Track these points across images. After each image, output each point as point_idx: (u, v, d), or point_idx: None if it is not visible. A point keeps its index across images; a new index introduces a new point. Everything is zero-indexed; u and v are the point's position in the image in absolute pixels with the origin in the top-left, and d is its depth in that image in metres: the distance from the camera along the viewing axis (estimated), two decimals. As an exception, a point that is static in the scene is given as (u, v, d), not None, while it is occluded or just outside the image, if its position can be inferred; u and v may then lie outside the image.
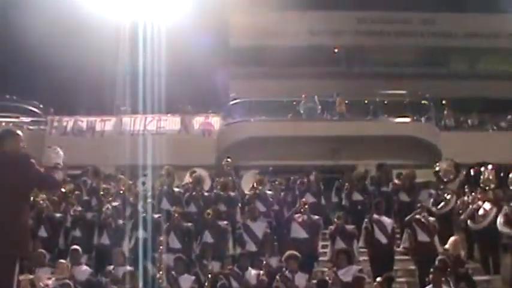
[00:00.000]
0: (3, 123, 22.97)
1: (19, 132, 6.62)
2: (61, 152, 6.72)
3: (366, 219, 13.24)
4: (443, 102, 24.94)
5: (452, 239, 12.76)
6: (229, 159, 17.41)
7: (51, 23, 23.58)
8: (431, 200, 15.01)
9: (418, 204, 13.66)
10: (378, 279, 10.39)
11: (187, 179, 16.93)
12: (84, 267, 12.15)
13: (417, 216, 12.92)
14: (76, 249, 12.18)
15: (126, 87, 23.64)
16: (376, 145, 20.80)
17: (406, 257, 13.65)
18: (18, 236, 6.08)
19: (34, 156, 6.37)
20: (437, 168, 16.12)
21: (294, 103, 23.40)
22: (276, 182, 16.13)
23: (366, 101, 24.05)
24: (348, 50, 30.36)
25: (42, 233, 13.48)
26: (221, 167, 17.88)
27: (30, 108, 24.56)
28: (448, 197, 14.91)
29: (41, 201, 14.04)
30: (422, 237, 12.69)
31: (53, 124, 23.37)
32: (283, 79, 25.89)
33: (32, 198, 12.16)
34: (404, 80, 25.71)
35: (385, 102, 23.95)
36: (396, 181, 16.22)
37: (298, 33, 28.68)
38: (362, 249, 13.40)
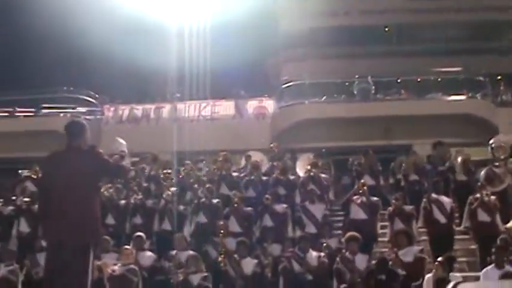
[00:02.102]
0: (61, 115, 23.53)
1: (86, 123, 6.86)
2: (123, 142, 6.94)
3: (424, 199, 13.14)
4: (499, 77, 24.36)
5: (514, 217, 12.58)
6: (274, 144, 17.56)
7: (107, 19, 23.93)
8: (489, 177, 14.74)
9: (478, 183, 13.53)
10: (439, 259, 10.31)
11: (243, 163, 17.12)
12: (149, 253, 12.40)
13: (477, 195, 12.79)
14: (140, 236, 12.42)
15: (180, 74, 23.92)
16: (431, 124, 20.59)
17: (467, 237, 13.48)
18: (92, 224, 6.33)
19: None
20: (493, 145, 15.83)
21: (347, 84, 23.32)
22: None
23: (419, 80, 23.80)
24: (398, 28, 29.96)
25: (110, 220, 13.78)
26: (271, 150, 18.01)
27: (86, 98, 25.02)
28: (505, 174, 14.61)
29: (105, 191, 14.37)
30: (483, 216, 12.47)
31: (109, 113, 23.82)
32: (335, 60, 25.78)
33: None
34: (458, 57, 25.26)
35: (439, 79, 23.65)
36: (453, 160, 16.02)
37: (349, 13, 28.48)
38: (421, 230, 13.31)
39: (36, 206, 12.15)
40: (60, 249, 6.16)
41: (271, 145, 18.04)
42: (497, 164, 14.75)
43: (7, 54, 27.48)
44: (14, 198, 15.38)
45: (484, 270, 10.33)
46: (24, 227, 14.36)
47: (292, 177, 15.33)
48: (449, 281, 9.07)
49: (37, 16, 26.47)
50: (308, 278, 11.36)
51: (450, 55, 25.87)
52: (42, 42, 27.56)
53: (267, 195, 13.69)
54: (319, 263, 11.46)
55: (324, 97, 23.37)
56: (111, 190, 14.75)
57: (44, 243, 10.73)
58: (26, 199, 14.88)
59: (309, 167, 15.43)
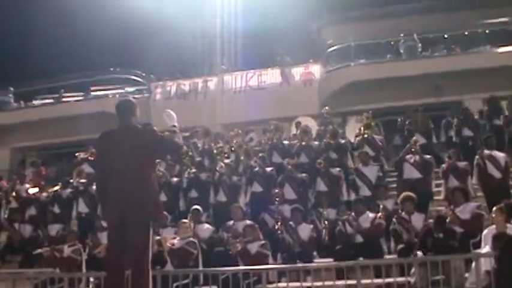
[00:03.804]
0: (110, 95, 23.89)
1: (135, 101, 6.98)
2: (174, 114, 7.02)
3: (476, 156, 12.97)
4: (551, 25, 23.64)
5: None
6: (327, 108, 17.48)
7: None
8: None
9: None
10: (498, 206, 10.07)
11: (294, 129, 17.18)
12: (206, 225, 12.59)
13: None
14: (197, 209, 12.57)
15: (224, 45, 23.96)
16: (482, 78, 20.17)
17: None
18: (151, 201, 6.49)
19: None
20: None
21: (393, 43, 23.03)
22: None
23: (467, 33, 23.32)
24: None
25: (162, 197, 13.91)
26: (323, 115, 17.99)
27: (133, 77, 25.29)
28: None
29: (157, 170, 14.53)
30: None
31: (157, 90, 24.06)
32: (379, 20, 25.36)
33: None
34: (506, 7, 24.61)
35: (487, 32, 23.13)
36: (507, 113, 15.75)
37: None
38: (476, 186, 13.13)
39: (94, 187, 12.53)
40: (121, 227, 6.33)
41: (324, 109, 17.97)
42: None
43: (53, 40, 27.87)
44: (71, 181, 15.77)
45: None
46: (83, 207, 14.76)
47: (342, 141, 15.30)
48: (508, 235, 9.04)
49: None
50: (358, 240, 11.38)
51: (497, 5, 25.17)
52: (87, 25, 27.89)
53: (319, 160, 13.71)
54: (372, 225, 11.45)
55: (370, 59, 23.09)
56: (162, 168, 14.97)
57: (104, 223, 11.06)
58: (83, 180, 15.26)
59: (362, 129, 15.40)
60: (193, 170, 14.88)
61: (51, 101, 25.58)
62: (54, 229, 14.64)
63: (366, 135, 15.10)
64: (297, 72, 22.86)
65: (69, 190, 15.34)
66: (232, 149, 15.71)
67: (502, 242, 8.77)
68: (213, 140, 17.28)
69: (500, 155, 12.91)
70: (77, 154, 17.78)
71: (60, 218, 14.97)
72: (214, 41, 24.75)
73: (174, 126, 6.90)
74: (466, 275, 9.12)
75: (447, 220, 10.62)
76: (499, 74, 20.19)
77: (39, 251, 12.53)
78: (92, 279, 10.67)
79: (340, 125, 17.97)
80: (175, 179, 14.99)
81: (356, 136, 15.91)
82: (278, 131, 16.20)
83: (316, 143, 15.39)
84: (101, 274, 9.42)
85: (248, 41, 24.57)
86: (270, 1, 23.89)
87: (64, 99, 25.24)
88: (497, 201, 10.44)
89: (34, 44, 28.24)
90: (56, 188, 15.77)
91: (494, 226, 9.62)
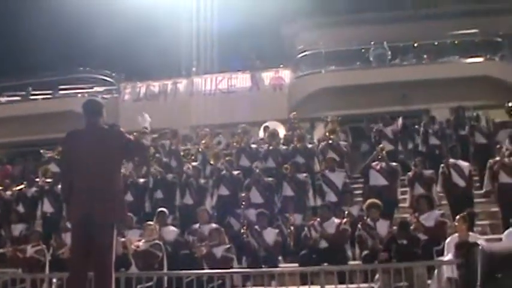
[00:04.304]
0: (79, 95, 23.70)
1: (103, 102, 6.95)
2: (148, 117, 7.00)
3: (442, 165, 13.09)
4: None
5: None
6: (295, 113, 17.57)
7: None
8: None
9: (497, 146, 13.51)
10: (461, 214, 10.20)
11: (262, 134, 17.20)
12: (172, 227, 12.51)
13: (497, 157, 12.75)
14: (163, 211, 12.49)
15: (195, 48, 23.92)
16: (449, 87, 20.46)
17: (487, 199, 13.45)
18: (116, 202, 6.45)
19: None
20: (510, 104, 15.71)
21: (363, 51, 23.20)
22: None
23: (436, 43, 23.59)
24: (413, -9, 29.59)
25: (129, 197, 13.84)
26: (290, 120, 18.04)
27: (103, 77, 25.13)
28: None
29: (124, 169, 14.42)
30: (505, 178, 12.43)
31: (126, 91, 23.93)
32: (350, 27, 25.51)
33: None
34: (475, 18, 24.89)
35: (456, 42, 23.42)
36: (472, 123, 15.95)
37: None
38: (441, 194, 13.22)
39: (59, 186, 12.40)
40: (85, 227, 6.27)
41: (291, 115, 18.05)
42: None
43: (20, 39, 27.57)
44: (36, 179, 15.60)
45: (507, 231, 10.28)
46: (48, 207, 14.59)
47: (310, 145, 15.35)
48: (470, 243, 9.15)
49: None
50: (323, 246, 11.39)
51: (466, 17, 25.46)
52: (55, 24, 27.60)
53: (285, 165, 13.75)
54: (337, 231, 11.49)
55: (340, 65, 23.24)
56: (129, 168, 14.90)
57: (68, 223, 10.94)
58: (49, 180, 15.10)
59: (327, 134, 15.47)
60: (159, 170, 14.80)
61: (18, 98, 25.27)
62: (17, 229, 14.43)
63: (330, 141, 15.14)
64: (267, 76, 22.92)
65: (34, 189, 15.16)
66: (200, 149, 15.67)
67: (464, 250, 8.88)
68: (181, 142, 17.22)
69: (464, 164, 13.08)
70: (42, 151, 17.60)
71: (25, 218, 14.77)
72: (185, 43, 24.68)
73: (146, 128, 6.88)
74: (429, 282, 9.22)
75: (411, 227, 10.72)
76: (467, 84, 20.50)
77: (1, 250, 12.38)
78: (54, 280, 10.56)
79: (308, 130, 17.99)
80: (142, 180, 14.89)
81: (319, 141, 15.95)
82: (246, 134, 16.21)
83: (284, 147, 15.42)
84: (64, 275, 9.30)
85: (219, 44, 24.56)
86: (242, 5, 23.87)
87: (32, 97, 24.95)
88: (461, 209, 10.59)
89: (1, 40, 27.88)
90: (21, 186, 15.58)
91: (457, 234, 9.76)
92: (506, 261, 6.43)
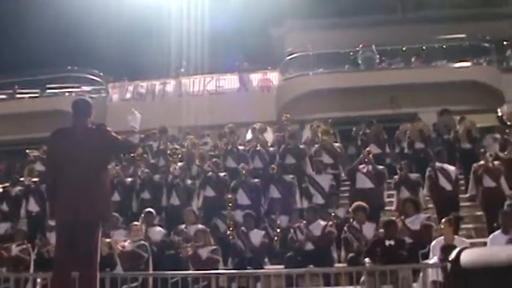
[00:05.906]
0: (66, 94, 23.60)
1: (91, 101, 6.93)
2: (138, 116, 6.98)
3: (428, 168, 13.15)
4: (505, 43, 24.12)
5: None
6: (288, 115, 17.54)
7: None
8: (497, 144, 14.71)
9: (482, 150, 13.57)
10: (446, 218, 10.23)
11: (249, 135, 17.17)
12: (158, 228, 12.48)
13: (481, 162, 12.81)
14: (150, 211, 12.47)
15: (183, 49, 23.89)
16: (437, 92, 20.53)
17: (473, 203, 13.50)
18: (102, 201, 6.43)
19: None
20: (500, 113, 15.81)
21: (351, 54, 23.25)
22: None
23: (424, 48, 23.68)
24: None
25: (116, 197, 13.81)
26: (280, 122, 18.02)
27: (91, 77, 25.02)
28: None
29: (112, 169, 14.37)
30: (488, 182, 12.53)
31: (114, 91, 23.86)
32: (338, 30, 25.63)
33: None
34: (463, 23, 25.04)
35: (444, 47, 23.52)
36: (458, 128, 15.98)
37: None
38: (427, 197, 13.29)
39: (44, 185, 12.33)
40: (70, 227, 6.24)
41: (284, 117, 17.99)
42: (507, 131, 14.78)
43: (8, 35, 27.42)
44: (21, 179, 15.51)
45: (491, 235, 10.36)
46: (33, 206, 14.52)
47: (302, 146, 15.35)
48: (455, 247, 9.17)
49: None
50: (309, 248, 11.39)
51: (454, 22, 25.61)
52: (43, 22, 27.47)
53: (272, 166, 13.74)
54: (323, 233, 11.49)
55: (329, 68, 23.29)
56: (117, 167, 14.85)
57: (52, 222, 10.88)
58: (34, 179, 15.02)
59: (320, 135, 15.44)
60: (146, 170, 14.75)
61: (4, 96, 25.11)
62: (2, 228, 14.33)
63: (323, 143, 15.12)
64: (255, 78, 22.94)
65: (18, 188, 15.08)
66: (186, 149, 15.63)
67: (449, 253, 8.88)
68: (169, 141, 17.17)
69: (451, 168, 13.14)
70: (28, 151, 17.51)
71: (9, 216, 14.68)
72: (174, 44, 24.64)
73: (134, 127, 6.86)
74: (414, 285, 9.23)
75: (398, 227, 10.74)
76: (455, 88, 20.57)
77: (-15, 249, 12.28)
78: (39, 280, 10.50)
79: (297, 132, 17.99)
80: (129, 179, 14.84)
81: (306, 143, 15.93)
82: (233, 134, 16.18)
83: (272, 148, 15.40)
84: (48, 275, 9.27)
85: (208, 45, 24.53)
86: (231, 7, 23.89)
87: (18, 96, 24.80)
88: (447, 213, 10.63)
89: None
90: (5, 185, 15.48)
91: (442, 237, 9.79)
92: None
